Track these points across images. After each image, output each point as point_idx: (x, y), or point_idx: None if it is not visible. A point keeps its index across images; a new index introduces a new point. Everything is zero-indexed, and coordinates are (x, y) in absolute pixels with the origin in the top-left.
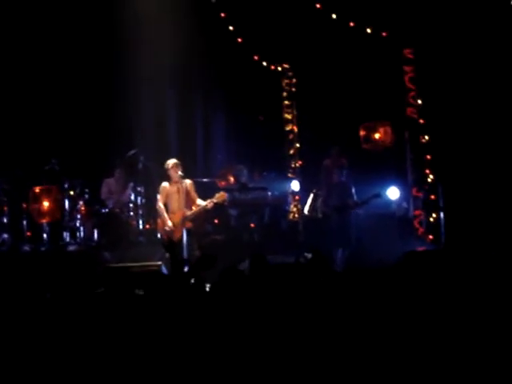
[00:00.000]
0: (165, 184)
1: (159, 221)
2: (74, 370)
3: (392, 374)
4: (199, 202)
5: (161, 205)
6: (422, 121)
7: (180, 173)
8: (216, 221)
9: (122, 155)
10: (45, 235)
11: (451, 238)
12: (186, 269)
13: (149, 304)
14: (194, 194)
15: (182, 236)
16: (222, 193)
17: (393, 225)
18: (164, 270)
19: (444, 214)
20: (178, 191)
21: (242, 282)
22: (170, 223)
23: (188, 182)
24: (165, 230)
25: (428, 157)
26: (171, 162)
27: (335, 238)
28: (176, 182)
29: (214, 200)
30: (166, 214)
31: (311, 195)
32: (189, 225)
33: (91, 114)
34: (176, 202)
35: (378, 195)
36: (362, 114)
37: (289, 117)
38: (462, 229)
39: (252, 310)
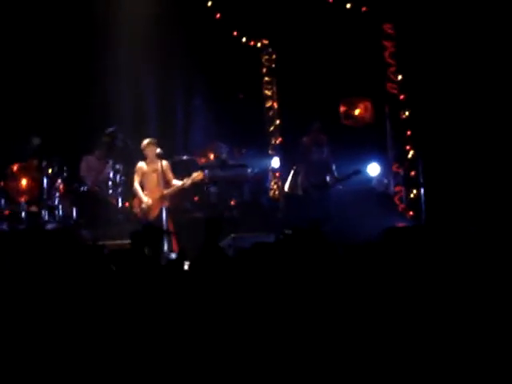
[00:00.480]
0: (141, 163)
1: (135, 200)
2: (51, 347)
3: (375, 351)
4: (175, 182)
5: (136, 184)
6: (402, 96)
7: (157, 151)
8: (196, 198)
9: (100, 132)
10: (23, 214)
11: (431, 214)
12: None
13: (124, 281)
14: (170, 174)
15: (160, 214)
16: (199, 172)
17: (373, 201)
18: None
19: (424, 190)
20: (155, 170)
21: (222, 258)
22: (146, 199)
23: (164, 162)
24: (141, 209)
25: (408, 132)
26: (146, 141)
27: (315, 215)
28: (152, 162)
29: (191, 179)
30: (141, 193)
31: (291, 172)
32: (166, 203)
33: (70, 91)
34: (152, 182)
35: (358, 172)
36: (342, 90)
37: (268, 93)
38: (442, 205)
39: (232, 287)
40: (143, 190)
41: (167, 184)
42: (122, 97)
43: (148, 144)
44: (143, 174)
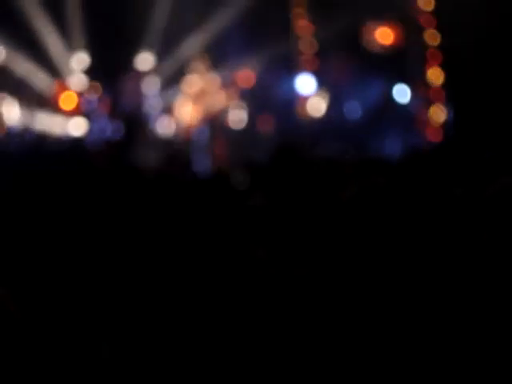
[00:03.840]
0: (190, 78)
1: (177, 117)
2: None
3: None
4: (219, 98)
5: (184, 101)
6: (430, 20)
7: (205, 66)
8: (227, 120)
9: (141, 53)
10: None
11: (456, 135)
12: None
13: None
14: (217, 90)
15: (200, 132)
16: (235, 91)
17: (396, 122)
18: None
19: (449, 112)
20: (203, 86)
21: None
22: (190, 115)
23: (214, 77)
24: (182, 127)
25: (436, 55)
26: (195, 57)
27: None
28: (201, 76)
29: (229, 97)
30: (185, 109)
31: (321, 95)
32: (209, 121)
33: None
34: (201, 99)
35: None
36: (367, 15)
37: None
38: (466, 126)
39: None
40: (189, 107)
41: (214, 101)
42: (157, 20)
43: (198, 57)
44: (190, 92)
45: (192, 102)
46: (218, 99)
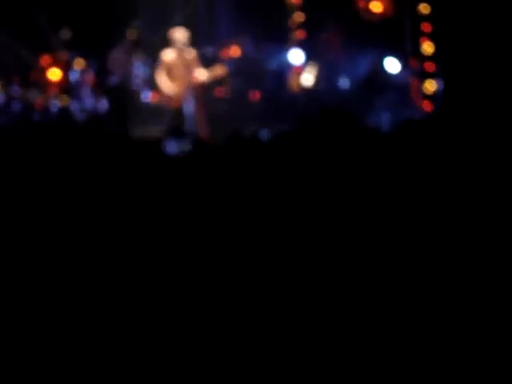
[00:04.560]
0: (166, 52)
1: (160, 88)
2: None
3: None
4: (202, 72)
5: (160, 73)
6: None
7: (184, 39)
8: (217, 92)
9: (127, 25)
10: (53, 106)
11: (447, 107)
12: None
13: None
14: (197, 64)
15: (182, 105)
16: (221, 65)
17: (388, 93)
18: (168, 138)
19: (441, 84)
20: (182, 60)
21: (246, 148)
22: (172, 88)
23: (192, 51)
24: (166, 98)
25: (426, 26)
26: (174, 29)
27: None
28: (180, 50)
29: (214, 72)
30: (167, 82)
31: (312, 66)
32: (191, 93)
33: None
34: (178, 71)
35: None
36: None
37: None
38: (458, 98)
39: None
40: (170, 79)
41: (195, 74)
42: None
43: (175, 31)
44: (170, 63)
45: (168, 73)
46: (199, 72)
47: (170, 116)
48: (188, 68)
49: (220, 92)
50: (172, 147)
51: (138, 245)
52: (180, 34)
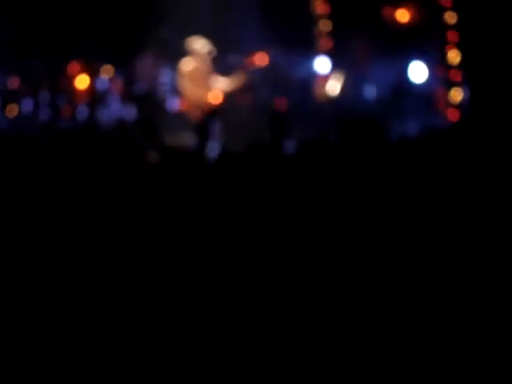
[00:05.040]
0: (190, 61)
1: (184, 98)
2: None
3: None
4: (225, 81)
5: (186, 82)
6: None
7: (206, 50)
8: (241, 99)
9: (154, 33)
10: (81, 114)
11: (474, 116)
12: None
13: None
14: (220, 73)
15: (206, 114)
16: (242, 74)
17: (415, 102)
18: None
19: (467, 93)
20: (205, 69)
21: (266, 155)
22: (196, 97)
23: (214, 59)
24: (190, 108)
25: (453, 35)
26: (196, 38)
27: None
28: (202, 60)
29: (234, 81)
30: (191, 90)
31: (337, 75)
32: (213, 102)
33: None
34: (200, 79)
35: None
36: None
37: None
38: (484, 107)
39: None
40: (194, 89)
41: (218, 83)
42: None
43: (196, 41)
44: (193, 73)
45: (191, 81)
46: (222, 81)
47: (196, 124)
48: (209, 76)
49: (244, 100)
50: (203, 153)
51: (170, 247)
52: (200, 44)
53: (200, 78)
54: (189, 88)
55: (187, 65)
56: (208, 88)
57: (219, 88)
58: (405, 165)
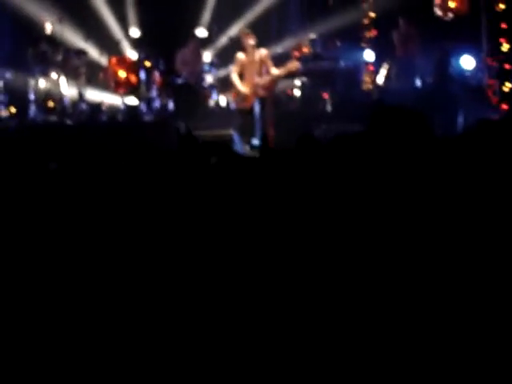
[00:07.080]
0: (240, 54)
1: (233, 90)
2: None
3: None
4: (274, 71)
5: (234, 75)
6: None
7: (252, 42)
8: (289, 91)
9: (195, 26)
10: (122, 106)
11: None
12: (254, 141)
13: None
14: (269, 63)
15: (253, 105)
16: (294, 61)
17: (466, 94)
18: (236, 138)
19: None
20: (253, 61)
21: (318, 149)
22: (243, 88)
23: (263, 51)
24: (237, 99)
25: (504, 25)
26: (242, 30)
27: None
28: (250, 52)
29: (286, 69)
30: (238, 83)
31: (386, 65)
32: (261, 93)
33: None
34: (250, 72)
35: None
36: None
37: None
38: None
39: (329, 177)
40: (242, 81)
41: (266, 74)
42: None
43: (243, 34)
44: (242, 65)
45: (240, 74)
46: (272, 70)
47: (240, 116)
48: (257, 69)
49: (292, 91)
50: (241, 146)
51: (195, 243)
52: (247, 37)
53: (249, 71)
54: (238, 81)
55: (240, 57)
56: (256, 80)
57: (271, 78)
58: (450, 160)
